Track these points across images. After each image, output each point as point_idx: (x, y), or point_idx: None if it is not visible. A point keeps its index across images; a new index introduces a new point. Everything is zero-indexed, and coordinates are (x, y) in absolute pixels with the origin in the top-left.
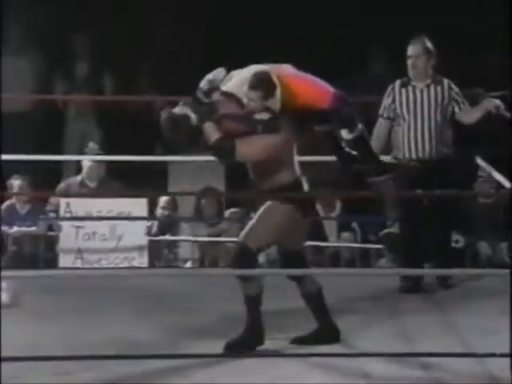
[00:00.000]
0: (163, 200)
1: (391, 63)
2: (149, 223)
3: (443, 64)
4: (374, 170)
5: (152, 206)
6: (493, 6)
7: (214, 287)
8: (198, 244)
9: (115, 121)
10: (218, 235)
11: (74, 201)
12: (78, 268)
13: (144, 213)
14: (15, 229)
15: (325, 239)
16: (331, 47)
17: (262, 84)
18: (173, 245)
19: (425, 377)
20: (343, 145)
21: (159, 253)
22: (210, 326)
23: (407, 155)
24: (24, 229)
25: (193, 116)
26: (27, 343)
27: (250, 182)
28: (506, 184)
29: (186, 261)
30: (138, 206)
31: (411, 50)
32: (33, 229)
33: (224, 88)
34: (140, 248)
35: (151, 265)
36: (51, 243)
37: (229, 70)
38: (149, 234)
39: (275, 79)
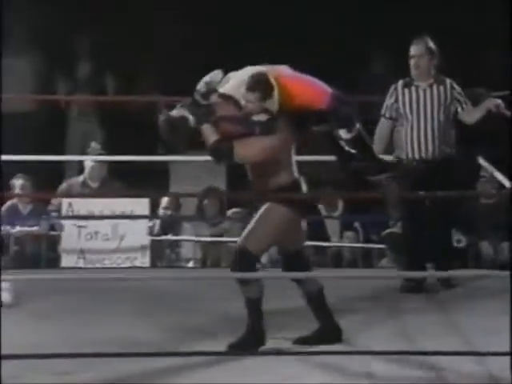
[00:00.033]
0: (165, 200)
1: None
2: (151, 223)
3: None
4: (373, 168)
5: (154, 205)
6: (493, 6)
7: (214, 287)
8: (201, 244)
9: (117, 121)
10: (221, 235)
11: (76, 201)
12: (79, 268)
13: (146, 213)
14: (17, 229)
15: (327, 239)
16: (331, 47)
17: (260, 86)
18: (175, 244)
19: (425, 377)
20: (342, 144)
21: (161, 252)
22: (209, 326)
23: (410, 155)
24: (26, 229)
25: (191, 118)
26: (28, 343)
27: (249, 183)
28: (507, 184)
29: (188, 260)
30: (140, 205)
31: (414, 49)
32: (35, 229)
33: (222, 90)
34: (142, 248)
35: (153, 265)
36: (53, 243)
37: (226, 72)
38: (151, 233)
39: (272, 80)
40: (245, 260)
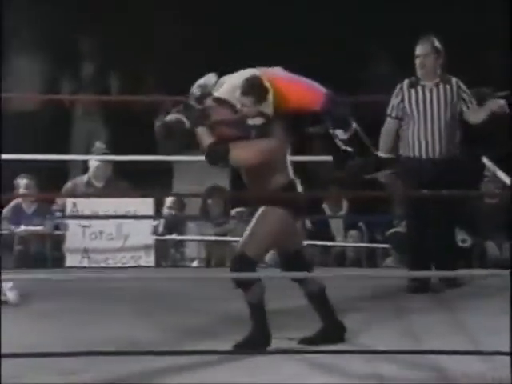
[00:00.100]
0: (170, 200)
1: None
2: (155, 222)
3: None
4: (370, 166)
5: (159, 205)
6: (493, 6)
7: (215, 287)
8: (205, 243)
9: (122, 120)
10: (225, 234)
11: (80, 200)
12: (84, 267)
13: (150, 212)
14: (22, 228)
15: (331, 239)
16: (331, 47)
17: (254, 89)
18: (179, 244)
19: (426, 376)
20: (338, 143)
21: (166, 252)
22: (209, 327)
23: (417, 154)
24: (31, 228)
25: (187, 121)
26: (30, 342)
27: (244, 185)
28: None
29: (192, 260)
30: (144, 205)
31: (419, 49)
32: (39, 228)
33: (216, 94)
34: (146, 247)
35: (158, 264)
36: (58, 242)
37: (220, 75)
38: (155, 233)
39: (267, 83)
40: (244, 266)
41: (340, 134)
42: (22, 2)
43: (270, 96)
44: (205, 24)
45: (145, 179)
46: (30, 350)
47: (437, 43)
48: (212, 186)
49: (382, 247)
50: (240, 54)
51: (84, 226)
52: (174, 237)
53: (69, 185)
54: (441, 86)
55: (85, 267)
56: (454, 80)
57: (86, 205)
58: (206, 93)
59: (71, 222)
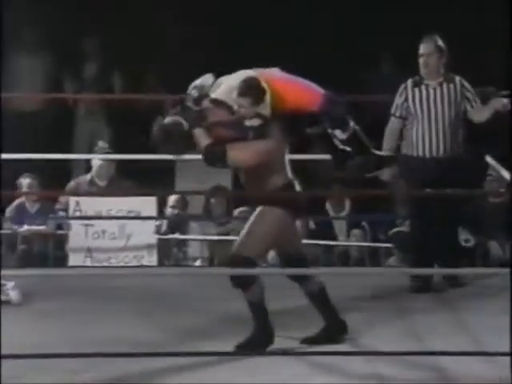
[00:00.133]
0: (173, 199)
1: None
2: (158, 222)
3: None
4: (369, 165)
5: (161, 204)
6: (493, 6)
7: (215, 287)
8: (208, 243)
9: (124, 119)
10: (227, 234)
11: (83, 199)
12: (86, 267)
13: (153, 211)
14: (25, 227)
15: (334, 238)
16: (331, 47)
17: (252, 90)
18: (182, 243)
19: (426, 376)
20: (336, 143)
21: (168, 251)
22: (209, 327)
23: (420, 153)
24: (33, 227)
25: (185, 123)
26: (31, 342)
27: (242, 186)
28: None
29: (195, 259)
30: (147, 204)
31: (423, 48)
32: (42, 227)
33: (213, 95)
34: (149, 247)
35: (161, 263)
36: (61, 242)
37: (216, 76)
38: (158, 232)
39: (264, 84)
40: (240, 265)
41: (339, 133)
42: (22, 2)
43: (268, 97)
44: (205, 24)
45: (147, 178)
46: (32, 349)
47: (440, 42)
48: (215, 185)
49: (385, 246)
50: (240, 54)
51: (87, 225)
52: (177, 236)
53: (72, 184)
54: (444, 85)
55: (87, 266)
56: (457, 79)
57: (89, 204)
58: (203, 94)
59: (74, 222)
